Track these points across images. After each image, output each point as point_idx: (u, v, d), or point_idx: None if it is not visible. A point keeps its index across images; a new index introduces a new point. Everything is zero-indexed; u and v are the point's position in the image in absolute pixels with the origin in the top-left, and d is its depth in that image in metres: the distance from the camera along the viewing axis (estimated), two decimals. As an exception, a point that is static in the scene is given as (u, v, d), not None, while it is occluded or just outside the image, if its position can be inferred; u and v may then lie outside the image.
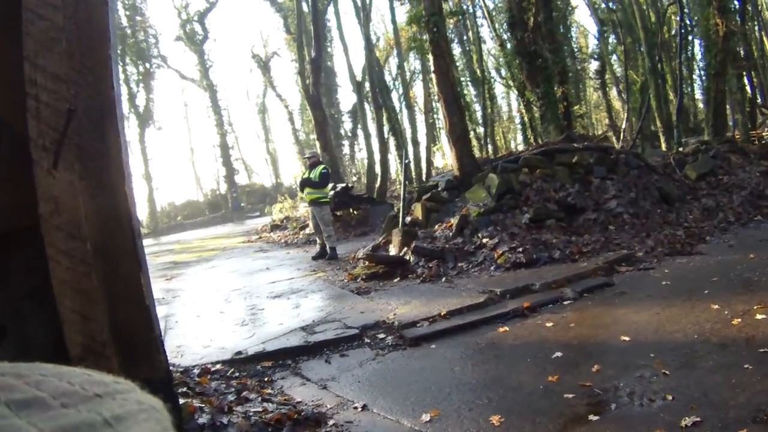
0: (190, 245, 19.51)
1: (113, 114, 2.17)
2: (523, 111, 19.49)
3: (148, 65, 35.78)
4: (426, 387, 3.97)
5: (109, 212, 2.13)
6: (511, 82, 26.42)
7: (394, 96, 28.59)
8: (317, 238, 11.12)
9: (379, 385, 4.15)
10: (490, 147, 28.73)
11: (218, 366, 4.74)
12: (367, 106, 26.61)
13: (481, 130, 29.00)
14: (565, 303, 5.72)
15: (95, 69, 2.14)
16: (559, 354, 4.25)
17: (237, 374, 4.57)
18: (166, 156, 79.29)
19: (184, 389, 3.94)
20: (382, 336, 5.26)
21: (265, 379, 4.51)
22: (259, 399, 3.90)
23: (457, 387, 3.90)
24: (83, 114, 2.08)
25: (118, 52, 31.89)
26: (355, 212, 16.56)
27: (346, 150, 37.98)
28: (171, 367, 4.64)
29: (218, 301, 7.75)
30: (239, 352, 5.03)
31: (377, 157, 21.82)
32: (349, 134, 37.59)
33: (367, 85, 23.63)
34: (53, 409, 0.35)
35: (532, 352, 4.44)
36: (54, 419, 0.35)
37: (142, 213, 35.58)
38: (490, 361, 4.46)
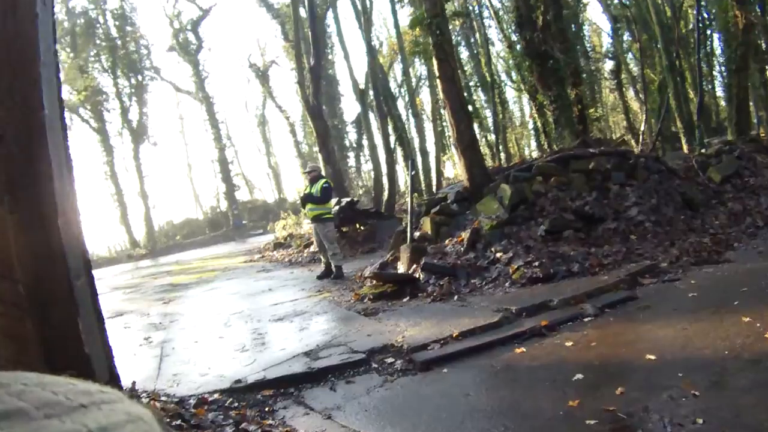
0: (189, 266, 19.57)
1: (44, 139, 2.09)
2: (536, 116, 19.43)
3: (140, 77, 36.12)
4: (437, 415, 3.90)
5: (42, 249, 2.05)
6: (522, 86, 26.38)
7: (400, 104, 28.70)
8: (321, 257, 11.08)
9: (388, 413, 4.09)
10: (502, 155, 28.70)
11: (216, 395, 4.71)
12: (371, 116, 26.70)
13: (492, 137, 28.99)
14: (586, 320, 5.63)
15: (23, 90, 2.09)
16: (580, 376, 4.17)
17: (236, 404, 4.53)
18: (163, 173, 79.64)
19: (179, 422, 3.89)
20: (390, 360, 5.21)
21: (266, 409, 4.46)
22: (259, 431, 3.85)
23: (470, 414, 3.84)
24: (12, 140, 2.02)
25: (108, 64, 32.13)
26: (361, 228, 16.52)
27: (351, 162, 38.16)
28: (165, 398, 4.62)
29: (218, 326, 7.73)
30: (239, 381, 4.99)
31: (384, 168, 21.86)
32: (354, 145, 37.73)
33: (371, 93, 23.73)
34: (36, 420, 0.35)
35: (550, 374, 4.36)
36: (37, 431, 0.34)
37: (138, 233, 35.76)
38: (505, 385, 4.39)
